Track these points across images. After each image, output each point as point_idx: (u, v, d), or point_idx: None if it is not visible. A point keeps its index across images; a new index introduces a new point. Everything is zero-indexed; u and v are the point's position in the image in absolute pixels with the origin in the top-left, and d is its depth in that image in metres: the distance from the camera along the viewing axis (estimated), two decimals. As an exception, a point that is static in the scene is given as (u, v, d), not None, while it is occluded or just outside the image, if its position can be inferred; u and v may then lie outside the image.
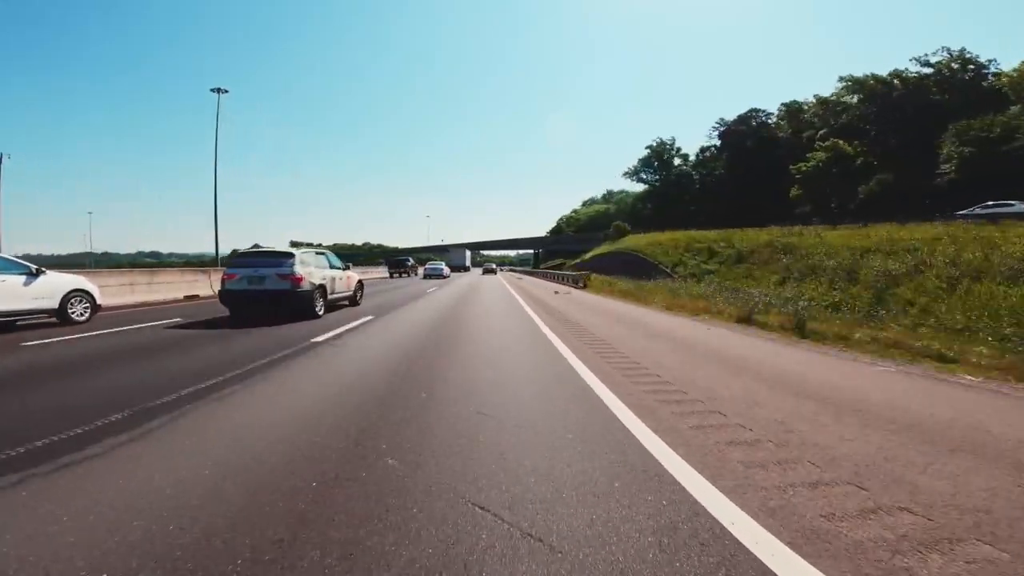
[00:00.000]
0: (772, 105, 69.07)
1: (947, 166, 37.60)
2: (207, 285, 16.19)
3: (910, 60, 55.55)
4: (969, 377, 5.24)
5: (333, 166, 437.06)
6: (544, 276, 39.52)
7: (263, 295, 9.66)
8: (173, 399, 4.06)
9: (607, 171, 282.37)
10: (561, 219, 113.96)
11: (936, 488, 2.54)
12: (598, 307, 13.46)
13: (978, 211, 24.79)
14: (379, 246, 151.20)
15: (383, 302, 14.75)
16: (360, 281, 13.96)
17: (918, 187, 38.36)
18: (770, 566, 1.87)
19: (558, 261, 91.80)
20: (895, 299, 14.01)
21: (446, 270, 42.73)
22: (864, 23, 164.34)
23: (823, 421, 3.64)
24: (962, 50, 53.82)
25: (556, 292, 19.42)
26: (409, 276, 42.19)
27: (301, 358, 5.95)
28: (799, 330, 8.25)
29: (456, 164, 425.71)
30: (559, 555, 1.94)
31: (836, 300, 14.47)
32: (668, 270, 25.51)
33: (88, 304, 9.60)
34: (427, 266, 43.48)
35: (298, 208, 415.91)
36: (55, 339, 7.44)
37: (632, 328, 9.20)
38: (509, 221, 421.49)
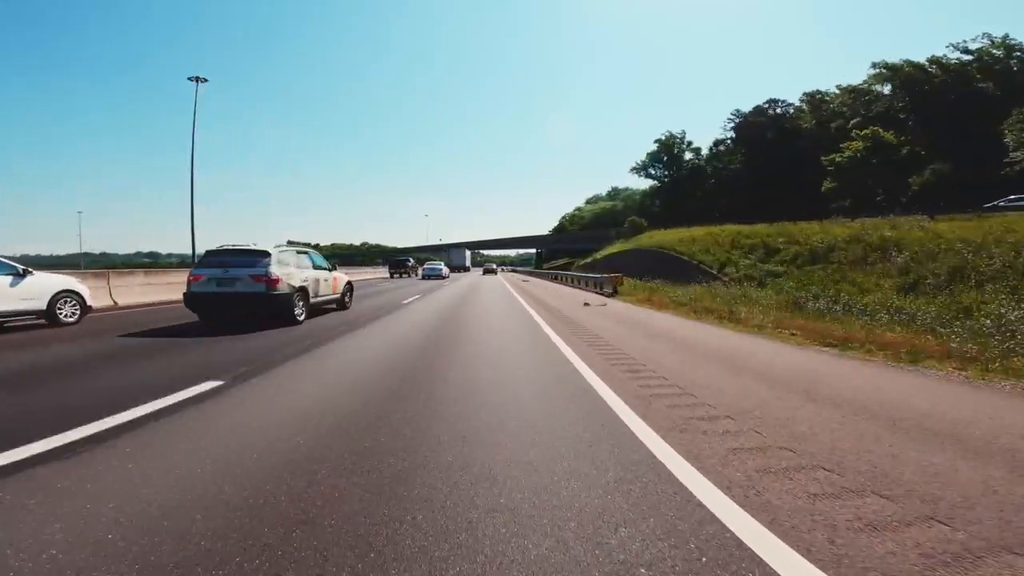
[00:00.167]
0: (775, 98, 63.43)
1: (1017, 153, 32.38)
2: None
3: (947, 47, 50.43)
4: None
5: (333, 166, 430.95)
6: (553, 278, 34.24)
7: (234, 299, 8.65)
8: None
9: (607, 171, 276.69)
10: (564, 217, 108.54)
11: None
12: (675, 336, 8.23)
13: (1001, 204, 23.82)
14: (377, 246, 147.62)
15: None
16: (349, 283, 12.52)
17: (979, 177, 33.12)
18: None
19: (563, 260, 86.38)
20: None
21: (445, 270, 41.53)
22: (864, 22, 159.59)
23: None
24: (1005, 36, 48.94)
25: (586, 304, 13.80)
26: (410, 276, 41.75)
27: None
28: None
29: (456, 164, 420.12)
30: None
31: None
32: (714, 271, 20.19)
33: (78, 305, 9.31)
34: (425, 266, 41.91)
35: (298, 208, 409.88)
36: None
37: (856, 413, 3.93)
38: (509, 221, 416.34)
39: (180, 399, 4.06)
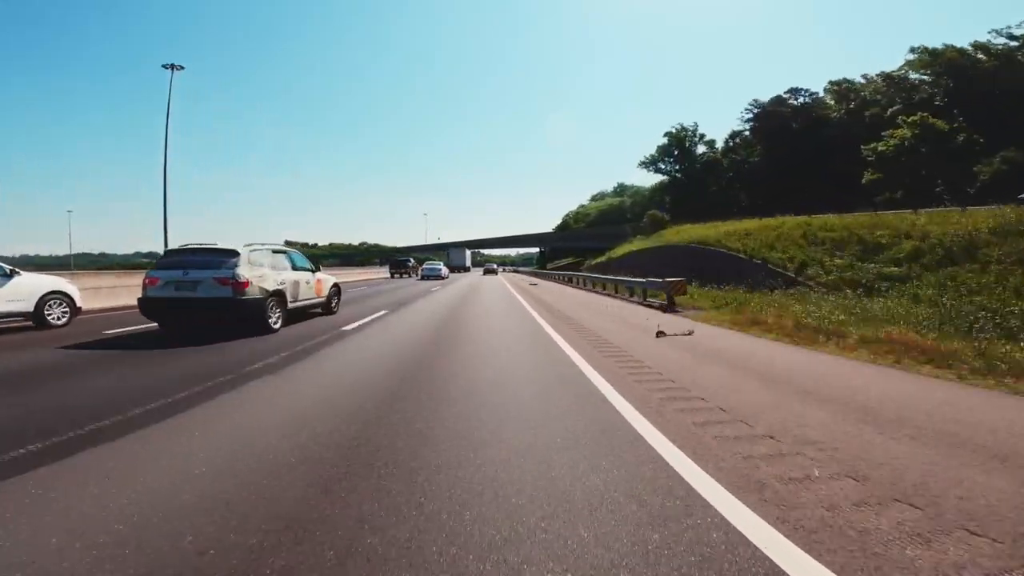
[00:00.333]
0: (797, 87, 58.56)
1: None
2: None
3: (989, 32, 45.55)
4: None
5: (333, 166, 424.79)
6: (566, 280, 29.18)
7: (195, 304, 7.58)
8: None
9: (608, 170, 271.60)
10: (568, 215, 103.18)
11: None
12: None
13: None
14: (376, 246, 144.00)
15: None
16: (336, 285, 11.25)
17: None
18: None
19: (568, 260, 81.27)
20: None
21: (444, 270, 40.43)
22: (865, 22, 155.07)
23: None
24: (1058, 20, 44.17)
25: (660, 334, 7.99)
26: (410, 276, 41.14)
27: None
28: None
29: (456, 164, 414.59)
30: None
31: None
32: (789, 273, 15.05)
33: (67, 307, 9.04)
34: (424, 267, 40.55)
35: (298, 208, 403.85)
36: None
37: None
38: (509, 221, 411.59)
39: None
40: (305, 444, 3.10)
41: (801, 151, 52.38)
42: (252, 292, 7.81)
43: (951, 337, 6.80)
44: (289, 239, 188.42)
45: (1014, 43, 45.05)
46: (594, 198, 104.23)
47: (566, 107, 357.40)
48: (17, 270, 8.58)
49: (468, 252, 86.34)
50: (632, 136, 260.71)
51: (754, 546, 1.98)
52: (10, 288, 8.22)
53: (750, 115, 60.57)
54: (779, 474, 2.68)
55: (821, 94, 57.57)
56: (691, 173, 65.49)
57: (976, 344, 6.12)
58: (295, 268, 9.54)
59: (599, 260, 42.39)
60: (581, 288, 23.49)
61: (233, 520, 2.18)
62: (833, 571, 1.83)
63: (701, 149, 67.68)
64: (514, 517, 2.21)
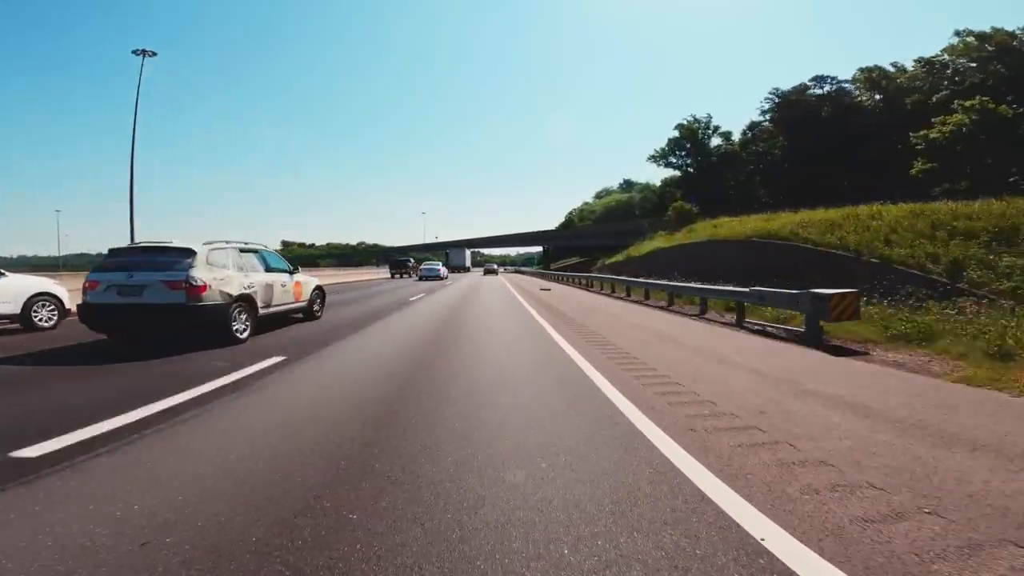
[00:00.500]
0: (822, 75, 53.87)
1: None
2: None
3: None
4: None
5: (333, 166, 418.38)
6: (585, 285, 24.31)
7: (142, 312, 6.59)
8: None
9: (609, 169, 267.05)
10: (572, 212, 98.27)
11: None
12: None
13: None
14: (375, 245, 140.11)
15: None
16: (319, 288, 10.19)
17: None
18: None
19: (573, 259, 76.33)
20: None
21: (443, 271, 39.10)
22: (864, 23, 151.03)
23: None
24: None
25: None
26: (410, 276, 40.13)
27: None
28: None
29: (456, 164, 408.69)
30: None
31: None
32: (937, 277, 10.33)
33: (55, 309, 8.77)
34: (423, 267, 39.36)
35: (297, 208, 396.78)
36: None
37: None
38: (509, 221, 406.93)
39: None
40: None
41: (828, 140, 48.31)
42: (211, 297, 6.83)
43: None
44: (287, 239, 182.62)
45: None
46: (599, 195, 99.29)
47: (566, 107, 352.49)
48: (3, 271, 8.40)
49: (468, 252, 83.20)
50: (633, 135, 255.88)
51: None
52: None
53: (770, 105, 55.76)
54: None
55: (847, 83, 52.83)
56: (705, 166, 60.88)
57: None
58: (268, 269, 8.50)
59: (614, 259, 37.55)
60: (606, 294, 18.70)
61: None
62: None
63: (716, 141, 63.09)
64: None
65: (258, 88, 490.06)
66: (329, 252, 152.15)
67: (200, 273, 6.73)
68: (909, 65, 48.76)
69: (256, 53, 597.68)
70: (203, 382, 4.66)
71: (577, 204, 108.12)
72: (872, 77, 50.28)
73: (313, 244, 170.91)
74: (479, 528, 2.13)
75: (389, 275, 42.46)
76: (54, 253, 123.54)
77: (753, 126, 56.77)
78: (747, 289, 9.07)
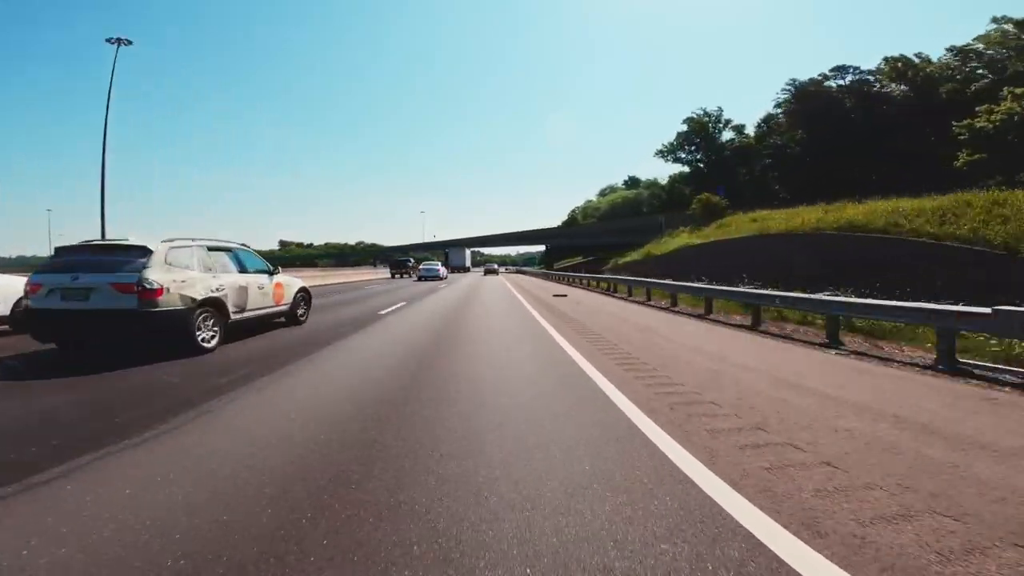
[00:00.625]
0: (844, 65, 50.55)
1: None
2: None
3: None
4: None
5: (333, 166, 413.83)
6: (608, 290, 20.85)
7: (87, 319, 5.81)
8: None
9: (608, 169, 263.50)
10: (575, 210, 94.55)
11: None
12: None
13: None
14: (373, 245, 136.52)
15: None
16: (304, 290, 9.34)
17: None
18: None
19: (577, 259, 72.87)
20: None
21: (442, 271, 37.71)
22: (864, 20, 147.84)
23: None
24: None
25: None
26: (410, 276, 39.11)
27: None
28: None
29: (456, 164, 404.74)
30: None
31: None
32: None
33: None
34: (421, 267, 37.94)
35: (297, 208, 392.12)
36: None
37: None
38: (509, 221, 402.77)
39: None
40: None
41: (850, 131, 45.70)
42: (169, 301, 5.99)
43: None
44: (284, 239, 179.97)
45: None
46: (603, 192, 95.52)
47: (566, 107, 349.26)
48: None
49: (468, 252, 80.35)
50: (634, 134, 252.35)
51: None
52: None
53: (786, 96, 52.49)
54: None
55: (869, 73, 49.63)
56: (716, 161, 57.68)
57: None
58: (243, 270, 7.53)
59: (629, 259, 34.11)
60: (636, 301, 15.24)
61: None
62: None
63: (728, 135, 59.94)
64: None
65: (258, 88, 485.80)
66: (327, 252, 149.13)
67: (156, 274, 5.97)
68: (934, 55, 46.01)
69: (256, 53, 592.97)
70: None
71: (579, 202, 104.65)
72: (898, 67, 47.05)
73: (311, 244, 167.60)
74: None
75: (389, 275, 41.59)
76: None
77: (769, 119, 53.47)
78: (862, 301, 5.71)
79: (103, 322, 5.76)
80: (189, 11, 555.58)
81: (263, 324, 8.22)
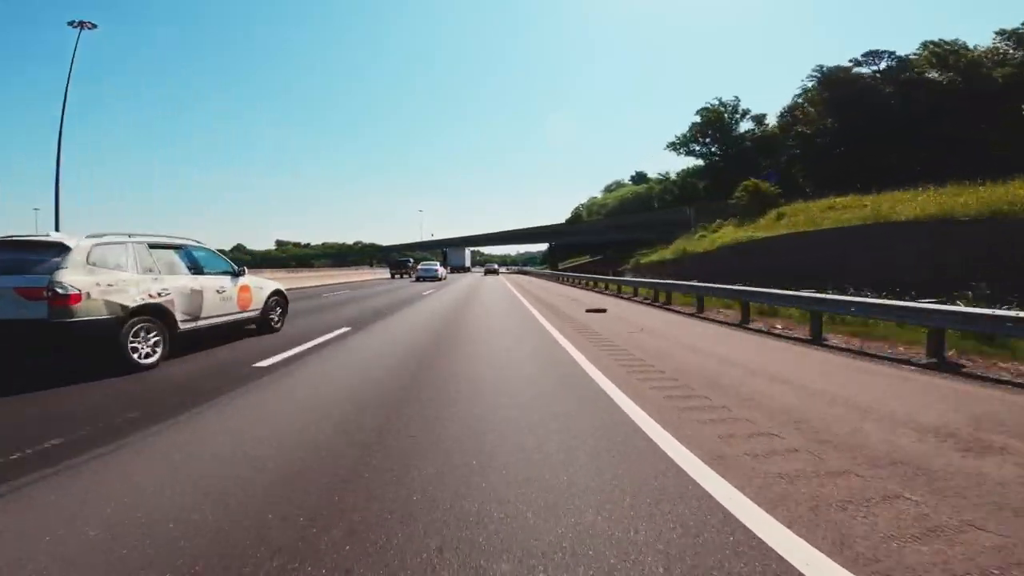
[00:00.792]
0: (876, 50, 46.08)
1: None
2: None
3: None
4: None
5: (332, 166, 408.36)
6: (623, 293, 16.15)
7: None
8: None
9: (609, 169, 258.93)
10: (579, 207, 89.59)
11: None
12: None
13: None
14: (372, 245, 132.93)
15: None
16: (278, 293, 8.24)
17: None
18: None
19: (583, 258, 68.25)
20: None
21: (441, 271, 36.31)
22: (864, 22, 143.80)
23: None
24: None
25: None
26: (410, 276, 38.28)
27: None
28: None
29: (456, 164, 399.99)
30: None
31: None
32: None
33: None
34: (419, 267, 37.15)
35: (297, 208, 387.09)
36: None
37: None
38: (509, 221, 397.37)
39: None
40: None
41: (886, 118, 41.38)
42: (90, 309, 4.95)
43: None
44: (281, 239, 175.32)
45: None
46: (608, 188, 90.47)
47: (566, 107, 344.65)
48: None
49: (468, 251, 77.98)
50: (634, 133, 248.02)
51: None
52: None
53: (812, 83, 47.94)
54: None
55: (902, 57, 45.35)
56: (733, 153, 53.15)
57: None
58: (196, 271, 6.50)
59: (652, 258, 29.38)
60: (689, 316, 10.76)
61: None
62: None
63: (746, 126, 55.32)
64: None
65: (258, 88, 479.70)
66: (325, 252, 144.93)
67: (73, 276, 4.94)
68: (971, 41, 42.02)
69: (256, 53, 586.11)
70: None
71: (582, 199, 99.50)
72: (938, 51, 42.71)
73: (308, 244, 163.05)
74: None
75: (389, 275, 40.96)
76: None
77: (793, 107, 48.76)
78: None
79: (5, 335, 4.75)
80: (188, 11, 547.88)
81: (229, 332, 7.21)
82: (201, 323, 6.37)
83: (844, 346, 6.96)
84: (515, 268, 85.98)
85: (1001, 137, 33.60)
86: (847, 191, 24.21)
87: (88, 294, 4.93)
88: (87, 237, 5.35)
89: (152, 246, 6.03)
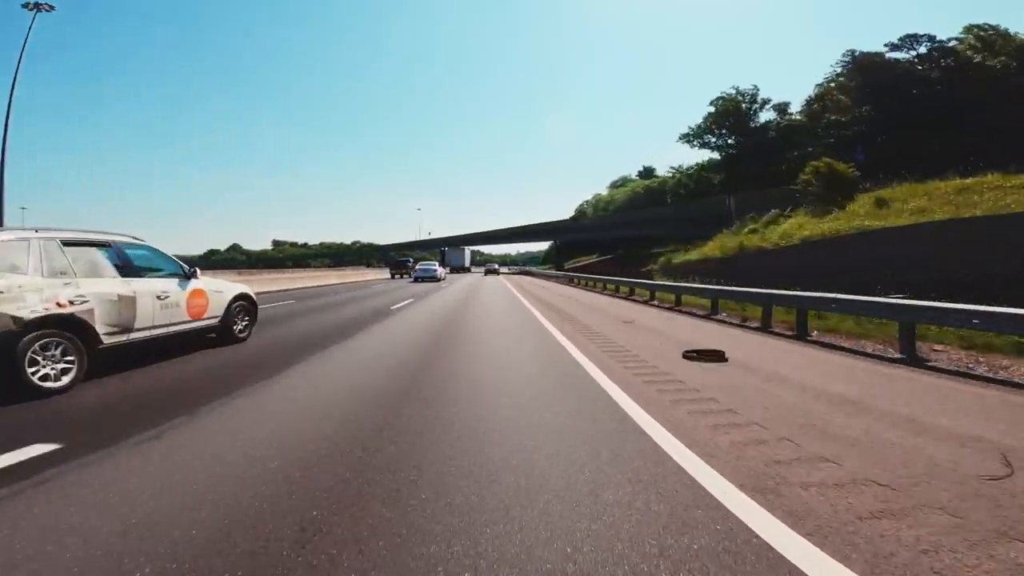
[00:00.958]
0: (914, 33, 42.33)
1: None
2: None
3: None
4: None
5: (332, 166, 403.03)
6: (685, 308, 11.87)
7: None
8: None
9: (609, 169, 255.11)
10: (585, 203, 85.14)
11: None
12: None
13: None
14: (370, 244, 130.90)
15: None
16: (245, 298, 7.11)
17: None
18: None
19: (592, 257, 63.93)
20: None
21: (440, 271, 34.42)
22: (865, 21, 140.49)
23: None
24: None
25: None
26: (410, 276, 36.94)
27: None
28: None
29: (456, 164, 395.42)
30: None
31: None
32: None
33: None
34: (418, 267, 36.12)
35: (297, 208, 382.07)
36: None
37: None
38: (509, 221, 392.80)
39: None
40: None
41: (926, 104, 37.59)
42: None
43: None
44: (278, 238, 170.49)
45: None
46: (615, 184, 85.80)
47: (566, 107, 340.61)
48: None
49: (468, 251, 74.30)
50: (634, 133, 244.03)
51: None
52: None
53: (843, 69, 43.91)
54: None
55: (943, 42, 41.54)
56: (752, 144, 48.96)
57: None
58: (129, 273, 5.32)
59: (695, 256, 24.94)
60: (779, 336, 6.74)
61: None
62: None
63: (768, 115, 51.09)
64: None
65: (258, 88, 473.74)
66: (322, 252, 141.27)
67: None
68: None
69: (256, 53, 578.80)
70: None
71: (587, 197, 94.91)
72: (984, 36, 38.92)
73: (306, 244, 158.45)
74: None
75: (390, 276, 40.78)
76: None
77: (822, 95, 44.57)
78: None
79: None
80: (188, 11, 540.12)
81: (187, 344, 6.14)
82: (135, 336, 5.33)
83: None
84: (517, 268, 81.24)
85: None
86: (890, 179, 20.79)
87: None
88: None
89: (67, 243, 4.94)
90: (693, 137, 55.61)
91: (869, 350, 6.50)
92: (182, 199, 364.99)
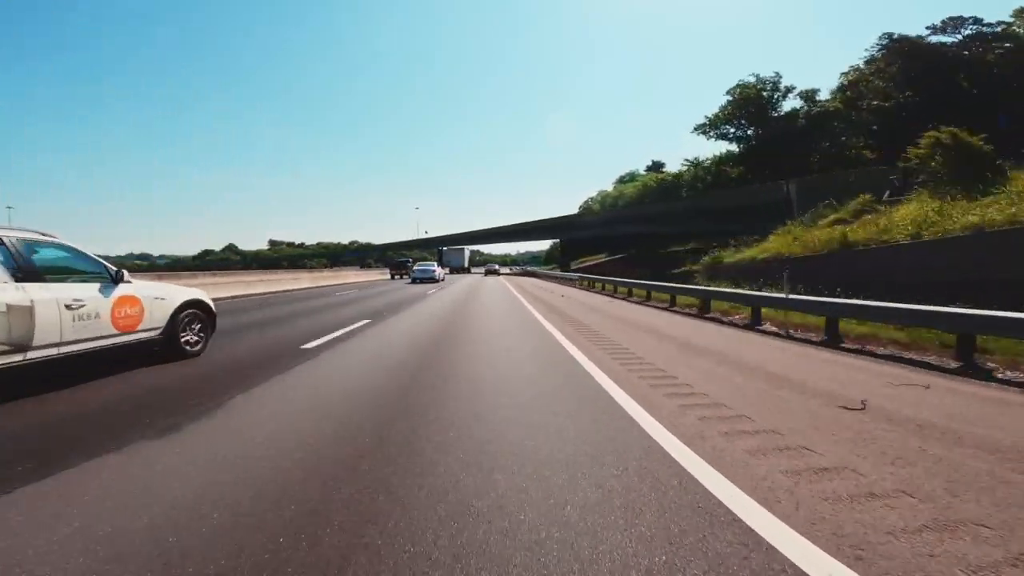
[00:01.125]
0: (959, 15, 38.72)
1: None
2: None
3: None
4: None
5: (332, 166, 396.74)
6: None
7: None
8: None
9: (609, 169, 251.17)
10: (590, 200, 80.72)
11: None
12: None
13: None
14: (367, 244, 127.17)
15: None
16: (193, 303, 5.83)
17: None
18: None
19: (600, 257, 59.47)
20: None
21: (439, 272, 32.27)
22: (865, 21, 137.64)
23: None
24: None
25: None
26: (408, 277, 35.75)
27: None
28: None
29: (456, 164, 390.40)
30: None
31: None
32: None
33: None
34: (416, 268, 33.78)
35: (297, 208, 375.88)
36: None
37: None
38: (509, 221, 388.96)
39: None
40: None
41: (981, 89, 34.19)
42: None
43: None
44: (275, 238, 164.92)
45: None
46: (622, 179, 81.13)
47: (566, 107, 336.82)
48: None
49: (467, 251, 71.11)
50: (635, 132, 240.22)
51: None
52: None
53: (879, 52, 39.92)
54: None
55: (991, 25, 37.72)
56: (774, 134, 45.08)
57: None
58: (28, 276, 4.15)
59: (758, 253, 20.55)
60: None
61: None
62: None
63: (793, 104, 47.07)
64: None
65: (258, 88, 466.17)
66: (319, 252, 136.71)
67: None
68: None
69: (256, 53, 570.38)
70: None
71: (592, 193, 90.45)
72: None
73: (303, 244, 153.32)
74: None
75: (390, 276, 41.02)
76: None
77: (857, 80, 40.48)
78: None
79: None
80: (188, 11, 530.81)
81: (118, 359, 5.00)
82: (35, 354, 4.17)
83: None
84: (519, 268, 76.35)
85: None
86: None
87: None
88: None
89: None
90: (709, 128, 51.47)
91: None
92: (180, 199, 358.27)
